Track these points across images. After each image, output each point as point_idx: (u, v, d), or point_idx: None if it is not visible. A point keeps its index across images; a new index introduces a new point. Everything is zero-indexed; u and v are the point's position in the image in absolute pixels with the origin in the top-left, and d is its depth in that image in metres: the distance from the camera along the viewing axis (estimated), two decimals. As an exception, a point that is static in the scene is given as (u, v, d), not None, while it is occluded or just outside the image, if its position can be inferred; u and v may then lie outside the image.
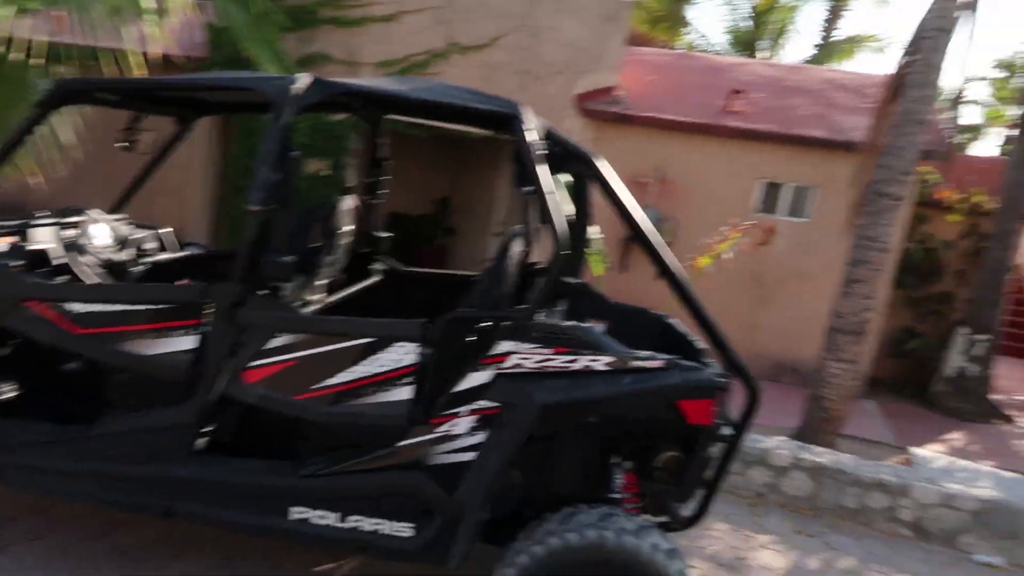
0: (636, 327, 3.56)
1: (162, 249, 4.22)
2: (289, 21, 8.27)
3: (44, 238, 3.49)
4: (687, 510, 3.31)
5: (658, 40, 17.12)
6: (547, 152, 3.04)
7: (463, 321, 2.91)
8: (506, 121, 3.02)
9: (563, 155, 3.32)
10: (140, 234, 4.08)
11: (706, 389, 2.93)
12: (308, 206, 3.67)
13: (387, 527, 2.99)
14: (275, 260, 2.87)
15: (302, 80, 2.96)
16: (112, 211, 4.19)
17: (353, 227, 4.13)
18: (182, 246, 4.38)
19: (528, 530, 2.91)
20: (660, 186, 9.94)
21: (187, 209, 9.34)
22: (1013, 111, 17.19)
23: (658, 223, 9.94)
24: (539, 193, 2.88)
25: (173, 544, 3.62)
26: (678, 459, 3.23)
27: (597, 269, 7.51)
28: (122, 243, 3.85)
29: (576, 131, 9.60)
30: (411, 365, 2.88)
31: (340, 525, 3.00)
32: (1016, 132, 9.61)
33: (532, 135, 2.97)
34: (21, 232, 3.43)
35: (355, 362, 2.89)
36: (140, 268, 3.84)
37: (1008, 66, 17.81)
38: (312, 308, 3.44)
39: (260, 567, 3.55)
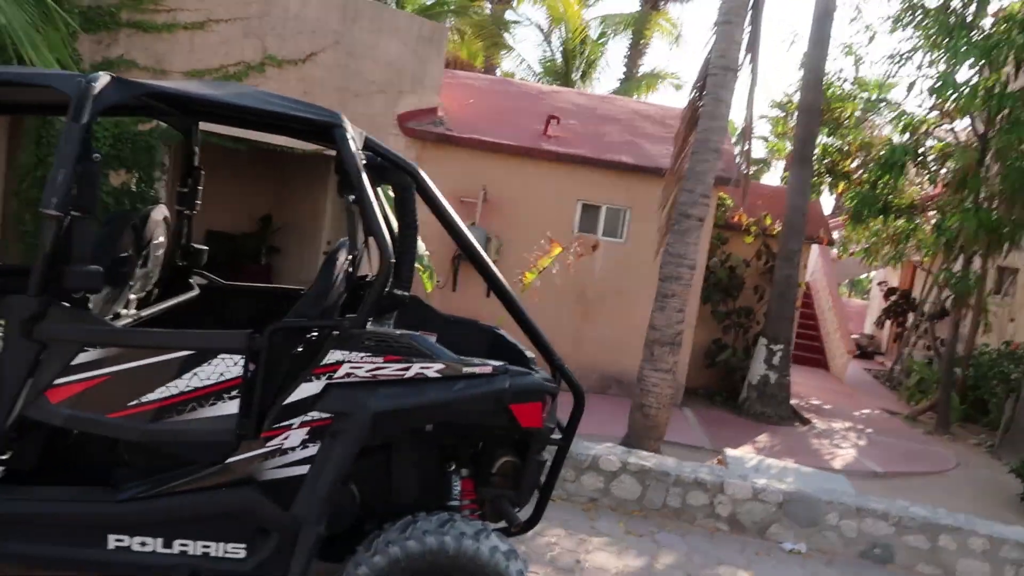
0: (466, 338, 3.61)
1: None
2: (82, 24, 7.63)
3: None
4: (524, 514, 3.38)
5: (476, 66, 17.59)
6: (368, 163, 3.03)
7: (290, 331, 2.82)
8: (327, 130, 2.96)
9: (385, 167, 3.31)
10: None
11: (535, 392, 3.02)
12: (114, 214, 3.39)
13: (217, 549, 2.81)
14: (80, 269, 2.62)
15: (101, 78, 2.73)
16: None
17: (166, 239, 3.87)
18: None
19: (367, 542, 2.85)
20: (484, 205, 10.18)
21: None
22: (790, 146, 19.34)
23: (483, 241, 10.17)
24: (363, 202, 2.85)
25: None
26: (513, 464, 3.30)
27: (427, 286, 7.55)
28: None
29: (399, 150, 9.51)
30: (236, 378, 2.72)
31: (166, 551, 2.78)
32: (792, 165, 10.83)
33: (354, 144, 2.95)
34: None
35: (175, 376, 2.68)
36: None
37: (782, 106, 20.02)
38: (123, 322, 3.18)
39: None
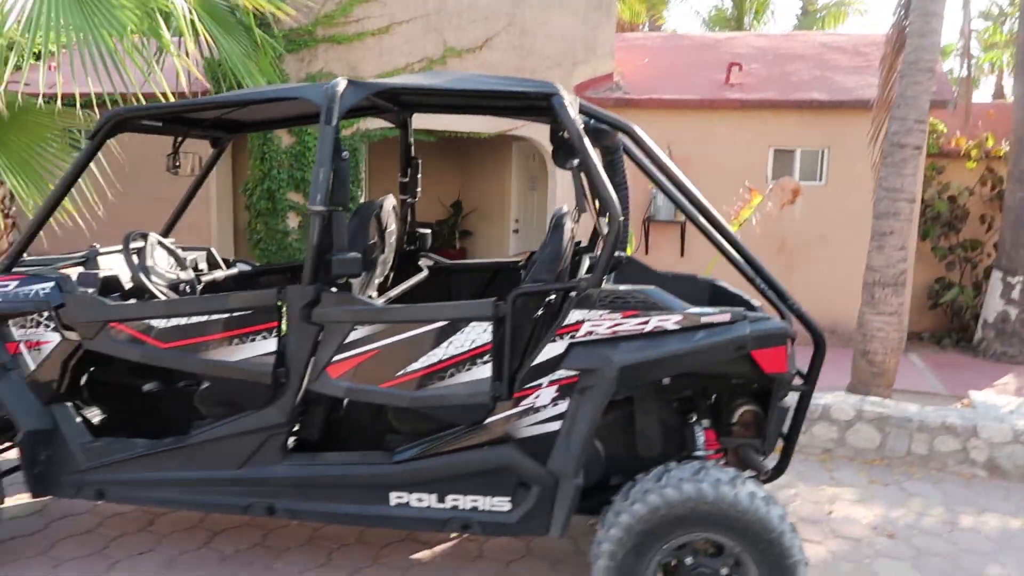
0: (686, 292, 3.60)
1: (213, 267, 4.27)
2: (285, 46, 8.37)
3: (112, 264, 3.55)
4: (769, 463, 3.34)
5: (638, 25, 17.22)
6: (586, 127, 3.09)
7: (530, 296, 2.96)
8: (545, 100, 3.05)
9: (596, 129, 3.36)
10: (193, 254, 4.14)
11: (778, 337, 2.96)
12: (360, 206, 3.71)
13: (485, 503, 3.03)
14: (343, 257, 2.91)
15: (341, 84, 3.01)
16: (163, 235, 4.26)
17: (396, 227, 4.19)
18: (228, 265, 4.44)
19: (624, 492, 2.95)
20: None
21: (204, 235, 9.44)
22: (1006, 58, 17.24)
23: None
24: (587, 165, 2.92)
25: (271, 547, 3.66)
26: (755, 413, 3.28)
27: (627, 249, 7.56)
28: (180, 264, 3.92)
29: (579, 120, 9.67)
30: (487, 343, 2.92)
31: (439, 506, 3.05)
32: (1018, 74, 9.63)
33: (573, 110, 3.02)
34: (88, 260, 3.50)
35: (434, 346, 2.92)
36: (200, 286, 3.90)
37: (988, 16, 17.88)
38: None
39: (360, 560, 3.59)
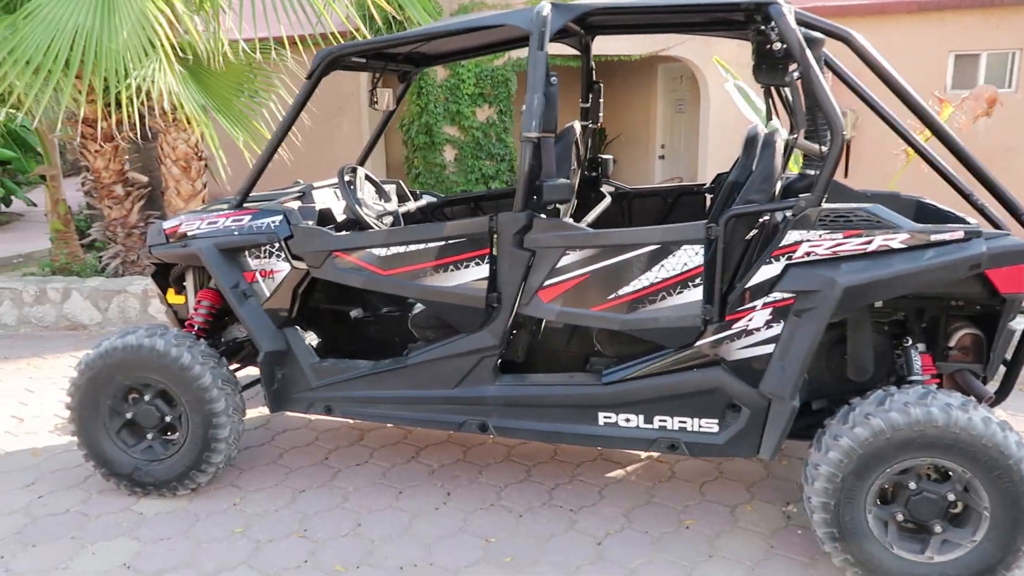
0: (893, 210, 3.43)
1: (403, 199, 4.46)
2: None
3: (325, 198, 3.79)
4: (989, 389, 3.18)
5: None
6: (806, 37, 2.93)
7: (743, 217, 2.91)
8: (759, 10, 2.93)
9: (807, 39, 3.19)
10: (387, 187, 4.33)
11: (1018, 254, 2.78)
12: (562, 131, 3.73)
13: (693, 424, 3.08)
14: (554, 183, 2.96)
15: (546, 7, 2.99)
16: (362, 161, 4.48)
17: (581, 152, 4.20)
18: (415, 197, 4.62)
19: (840, 416, 2.90)
20: (834, 77, 9.37)
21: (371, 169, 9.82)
22: None
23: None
24: (809, 76, 2.78)
25: (472, 462, 3.90)
26: (975, 336, 3.11)
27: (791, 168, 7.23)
28: (384, 196, 4.12)
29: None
30: (698, 266, 2.91)
31: (647, 426, 3.12)
32: None
33: (792, 19, 2.87)
34: (305, 195, 3.75)
35: (645, 269, 2.95)
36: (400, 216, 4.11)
37: None
38: None
39: (558, 477, 3.76)
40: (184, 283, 3.95)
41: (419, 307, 3.55)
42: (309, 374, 3.46)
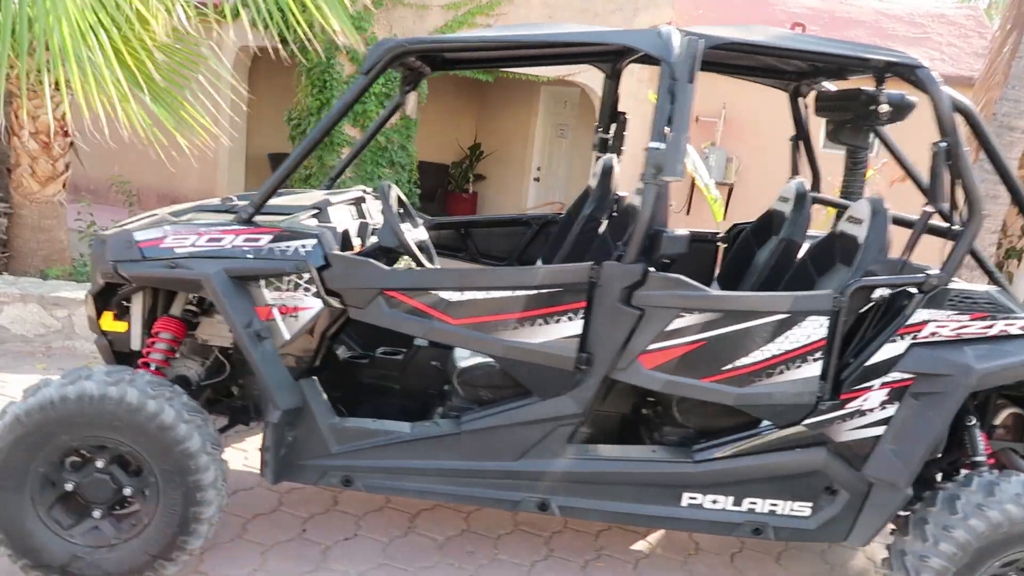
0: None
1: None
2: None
3: (341, 217, 3.08)
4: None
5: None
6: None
7: (871, 290, 2.71)
8: (907, 72, 2.71)
9: (903, 104, 3.07)
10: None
11: None
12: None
13: (784, 507, 2.82)
14: (675, 234, 2.58)
15: (676, 34, 2.59)
16: (331, 183, 3.79)
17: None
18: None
19: (942, 502, 2.76)
20: (724, 125, 9.76)
21: (208, 163, 8.72)
22: None
23: (723, 163, 9.81)
24: (958, 152, 2.63)
25: (479, 534, 3.36)
26: (1017, 415, 3.16)
27: (716, 215, 7.34)
28: (411, 219, 3.44)
29: (637, 69, 9.32)
30: (821, 339, 2.65)
31: (735, 508, 2.82)
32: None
33: (943, 87, 2.69)
34: (321, 212, 3.01)
35: (768, 340, 2.64)
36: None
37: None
38: None
39: (584, 551, 3.33)
40: (127, 307, 3.08)
41: (465, 356, 2.98)
42: (328, 437, 2.78)
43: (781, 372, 2.67)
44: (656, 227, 2.59)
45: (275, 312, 2.67)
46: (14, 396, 4.12)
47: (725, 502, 2.82)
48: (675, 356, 2.65)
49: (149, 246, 2.69)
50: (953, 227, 2.72)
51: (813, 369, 2.67)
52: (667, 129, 2.48)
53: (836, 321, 2.64)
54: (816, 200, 3.70)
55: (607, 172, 3.57)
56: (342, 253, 2.70)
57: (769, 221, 3.70)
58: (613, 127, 3.96)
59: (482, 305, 2.64)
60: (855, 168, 3.69)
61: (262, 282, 2.66)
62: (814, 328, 2.65)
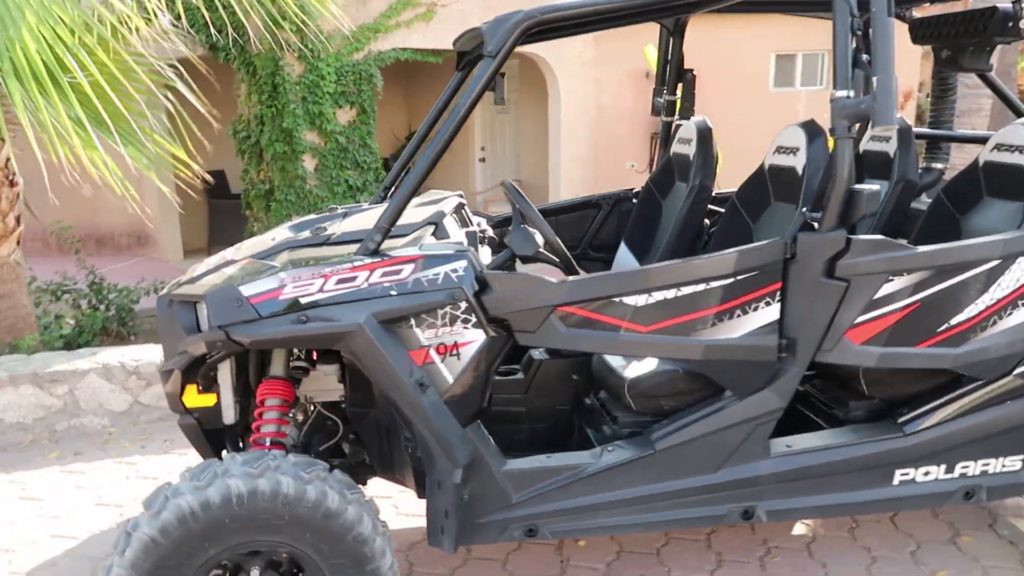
0: None
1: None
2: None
3: (456, 232, 2.64)
4: None
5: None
6: None
7: None
8: None
9: None
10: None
11: None
12: None
13: (996, 465, 2.61)
14: (871, 190, 2.28)
15: None
16: (385, 193, 3.35)
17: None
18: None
19: None
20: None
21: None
22: None
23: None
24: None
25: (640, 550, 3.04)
26: None
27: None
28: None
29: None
30: (1026, 281, 2.44)
31: (947, 476, 2.59)
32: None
33: None
34: (438, 227, 2.56)
35: (982, 291, 2.40)
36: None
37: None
38: None
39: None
40: (215, 377, 2.59)
41: (622, 364, 2.62)
42: (506, 486, 2.38)
43: (994, 323, 2.44)
44: (852, 186, 2.28)
45: (432, 354, 2.24)
46: (40, 497, 3.56)
47: (937, 472, 2.59)
48: (887, 325, 2.37)
49: (264, 300, 2.20)
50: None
51: (1022, 314, 2.45)
52: (860, 74, 2.17)
53: None
54: (920, 135, 3.49)
55: (705, 136, 3.25)
56: (500, 271, 2.29)
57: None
58: (679, 87, 3.64)
59: (675, 305, 2.29)
60: (945, 96, 3.50)
61: (412, 321, 2.22)
62: (1022, 271, 2.42)
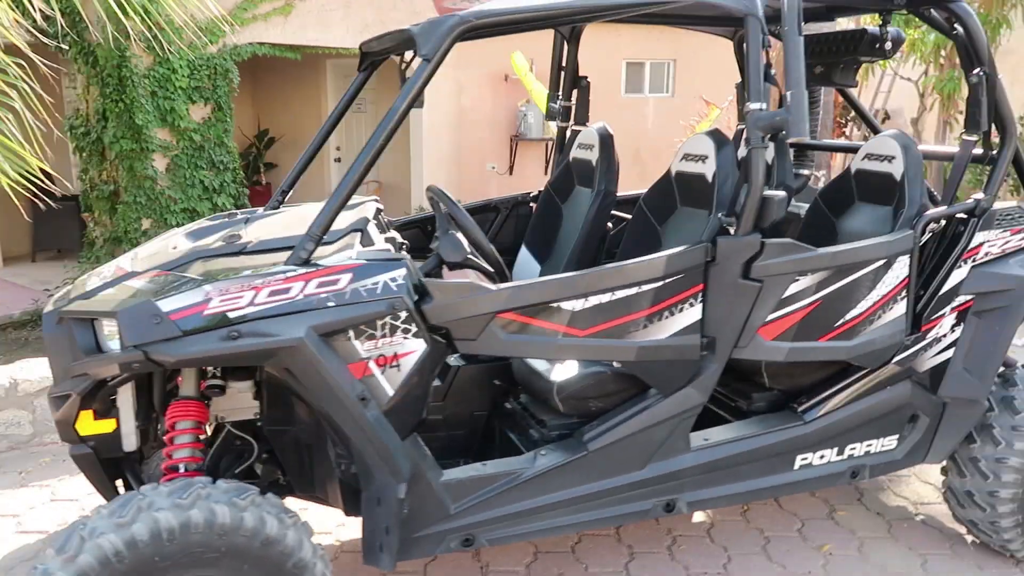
0: None
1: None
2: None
3: (378, 239, 2.53)
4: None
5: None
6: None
7: (936, 221, 2.80)
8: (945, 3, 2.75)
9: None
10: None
11: None
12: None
13: (876, 445, 2.89)
14: (780, 196, 2.45)
15: None
16: (283, 197, 3.20)
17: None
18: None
19: (993, 405, 2.95)
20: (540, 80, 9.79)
21: None
22: None
23: (542, 119, 9.88)
24: (995, 81, 2.75)
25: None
26: None
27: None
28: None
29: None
30: (905, 278, 2.71)
31: (839, 459, 2.84)
32: None
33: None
34: (363, 232, 2.44)
35: (871, 287, 2.64)
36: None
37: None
38: None
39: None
40: (114, 402, 2.36)
41: (546, 367, 2.65)
42: (444, 498, 2.34)
43: (879, 317, 2.69)
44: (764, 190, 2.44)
45: (372, 366, 2.16)
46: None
47: (830, 454, 2.82)
48: (794, 322, 2.56)
49: (187, 315, 2.03)
50: (991, 152, 2.87)
51: (901, 308, 2.73)
52: (768, 87, 2.33)
53: (913, 258, 2.70)
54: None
55: (607, 142, 3.35)
56: (441, 280, 2.24)
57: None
58: (575, 94, 3.73)
59: (610, 309, 2.35)
60: (812, 108, 3.81)
61: (351, 332, 2.13)
62: (902, 268, 2.69)
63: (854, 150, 3.28)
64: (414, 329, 2.18)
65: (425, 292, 2.20)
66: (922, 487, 3.69)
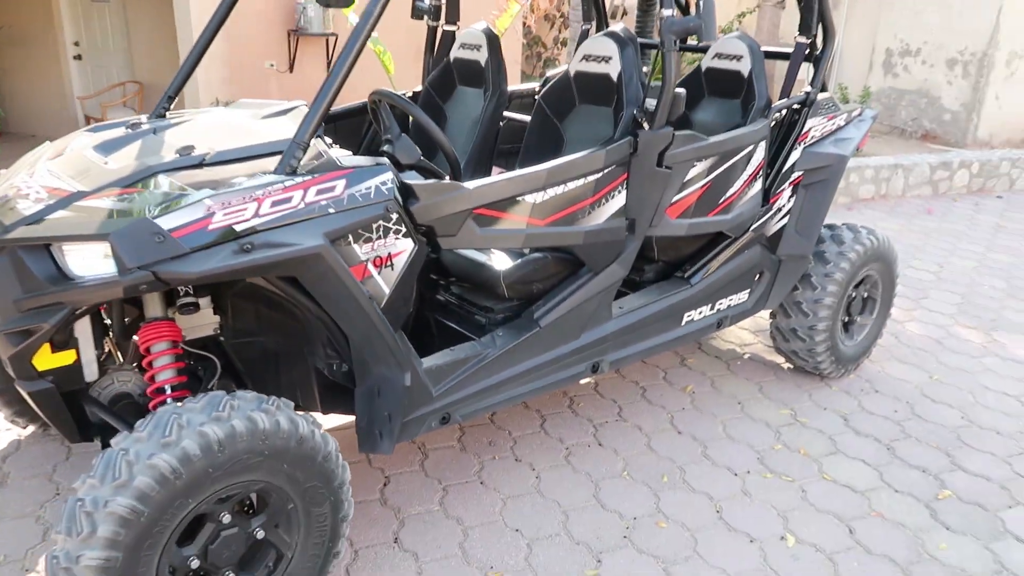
0: None
1: None
2: None
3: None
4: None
5: None
6: None
7: (779, 111, 3.38)
8: None
9: None
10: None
11: None
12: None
13: (735, 299, 3.52)
14: (681, 94, 2.83)
15: None
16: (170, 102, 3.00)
17: None
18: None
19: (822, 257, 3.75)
20: None
21: None
22: None
23: (323, 11, 9.41)
24: None
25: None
26: None
27: (389, 68, 7.26)
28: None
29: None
30: (762, 160, 3.29)
31: (711, 313, 3.43)
32: None
33: None
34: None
35: (743, 169, 3.17)
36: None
37: None
38: None
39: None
40: (72, 334, 2.24)
41: (484, 259, 2.88)
42: (427, 382, 2.54)
43: (747, 193, 3.26)
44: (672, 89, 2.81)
45: (370, 267, 2.26)
46: None
47: (706, 310, 3.40)
48: (692, 202, 3.03)
49: (191, 232, 1.97)
50: (815, 52, 3.48)
51: (758, 185, 3.32)
52: None
53: (767, 143, 3.28)
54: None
55: (495, 42, 3.49)
56: (425, 181, 2.35)
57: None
58: (446, -9, 3.79)
59: (563, 199, 2.62)
60: (649, 10, 4.24)
61: (351, 237, 2.20)
62: (760, 153, 3.26)
63: (698, 50, 3.78)
64: (404, 229, 2.30)
65: (410, 193, 2.31)
66: (742, 332, 4.52)
